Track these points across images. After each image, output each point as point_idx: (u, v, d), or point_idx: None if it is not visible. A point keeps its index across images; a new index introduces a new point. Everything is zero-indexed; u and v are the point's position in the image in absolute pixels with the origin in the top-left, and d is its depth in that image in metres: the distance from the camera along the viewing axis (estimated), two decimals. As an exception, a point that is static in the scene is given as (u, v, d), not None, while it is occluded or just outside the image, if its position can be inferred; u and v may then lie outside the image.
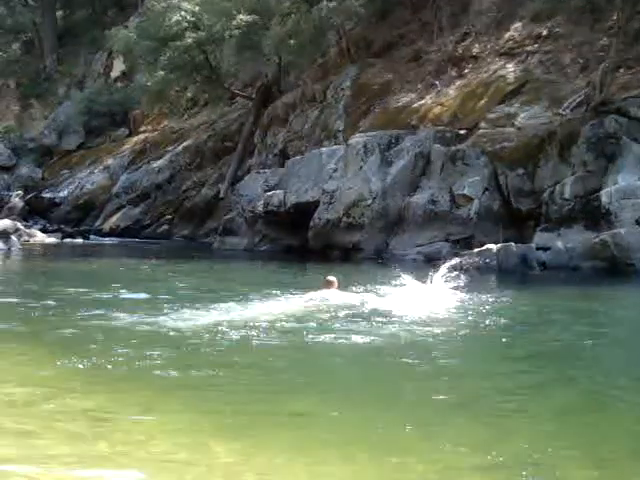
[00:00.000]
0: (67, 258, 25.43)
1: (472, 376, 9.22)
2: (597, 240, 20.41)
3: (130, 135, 40.81)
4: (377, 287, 15.08)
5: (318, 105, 30.00)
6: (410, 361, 9.57)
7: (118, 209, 35.47)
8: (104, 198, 36.40)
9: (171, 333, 10.88)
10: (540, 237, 21.53)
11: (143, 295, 14.82)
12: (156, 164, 36.04)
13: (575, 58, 25.62)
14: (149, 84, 34.50)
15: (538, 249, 20.87)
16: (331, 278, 14.48)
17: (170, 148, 36.90)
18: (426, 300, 13.91)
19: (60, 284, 16.61)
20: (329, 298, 13.87)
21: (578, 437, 6.84)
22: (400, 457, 6.19)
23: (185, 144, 36.43)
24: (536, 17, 27.03)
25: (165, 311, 12.53)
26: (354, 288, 14.88)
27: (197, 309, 12.74)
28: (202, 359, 9.39)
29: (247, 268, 23.20)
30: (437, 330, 11.47)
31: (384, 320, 12.11)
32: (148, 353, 9.41)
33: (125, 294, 14.91)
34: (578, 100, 23.60)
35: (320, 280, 15.45)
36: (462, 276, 16.15)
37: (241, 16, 31.21)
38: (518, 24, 27.86)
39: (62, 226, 34.64)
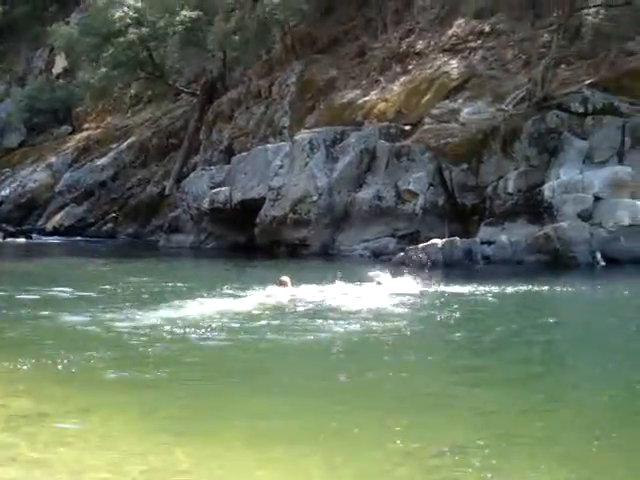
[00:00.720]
0: (9, 258, 25.05)
1: (412, 370, 9.29)
2: (540, 234, 20.69)
3: (73, 132, 40.28)
4: (327, 283, 15.17)
5: (263, 101, 29.94)
6: (362, 357, 9.65)
7: (61, 208, 34.99)
8: (47, 196, 35.89)
9: (117, 333, 10.78)
10: (484, 231, 21.77)
11: (88, 294, 14.67)
12: (100, 162, 35.63)
13: (517, 54, 25.93)
14: (92, 81, 34.10)
15: (482, 243, 21.09)
16: (284, 278, 14.89)
17: (114, 145, 36.50)
18: (377, 296, 14.16)
19: (1, 284, 16.35)
20: (282, 297, 14.13)
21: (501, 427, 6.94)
22: (349, 452, 6.22)
23: (129, 141, 36.06)
24: (478, 14, 27.30)
25: (111, 311, 12.41)
26: (305, 285, 15.01)
27: (143, 308, 12.64)
28: (149, 358, 9.32)
29: (193, 266, 23.10)
30: (385, 326, 11.53)
31: (335, 317, 12.21)
32: (93, 353, 9.31)
33: (69, 294, 14.73)
34: (520, 96, 23.89)
35: (267, 277, 15.55)
36: (408, 271, 16.36)
37: (185, 12, 31.01)
38: (461, 21, 28.10)
39: (4, 225, 34.06)
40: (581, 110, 22.47)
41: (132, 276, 17.93)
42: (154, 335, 10.54)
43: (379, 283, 15.25)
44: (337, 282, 15.16)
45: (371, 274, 15.70)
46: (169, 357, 9.45)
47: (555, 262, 19.99)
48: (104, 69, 32.64)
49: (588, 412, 7.47)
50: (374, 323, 11.72)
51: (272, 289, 14.58)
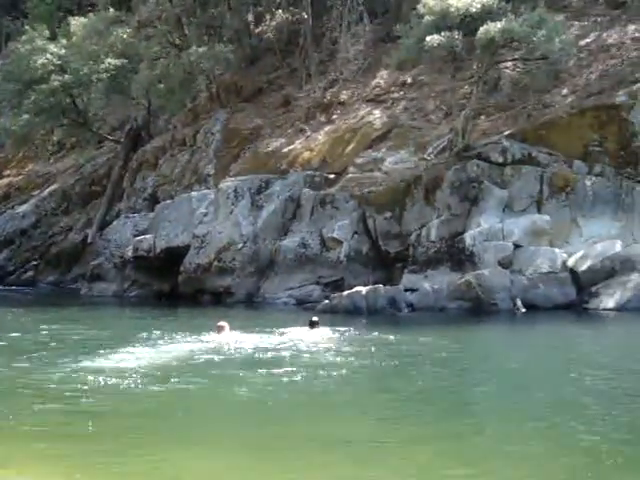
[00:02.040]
0: None
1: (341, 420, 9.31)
2: (462, 281, 21.01)
3: (-7, 179, 39.54)
4: (257, 330, 15.48)
5: (188, 149, 29.89)
6: (295, 403, 9.65)
7: (-20, 255, 34.18)
8: (-35, 244, 35.03)
9: (35, 383, 10.56)
10: (408, 279, 22.00)
11: (6, 344, 14.35)
12: (21, 209, 35.00)
13: (438, 105, 26.50)
14: (14, 127, 33.59)
15: (406, 290, 21.31)
16: (222, 323, 15.25)
17: (36, 192, 35.92)
18: (304, 342, 14.39)
19: None
20: (220, 342, 14.43)
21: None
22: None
23: (51, 188, 35.54)
24: (401, 65, 27.81)
25: (31, 360, 12.16)
26: (241, 331, 15.36)
27: (64, 358, 12.42)
28: (70, 407, 9.16)
29: (116, 315, 22.70)
30: (314, 371, 11.56)
31: (270, 363, 12.39)
32: (8, 404, 9.11)
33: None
34: (442, 145, 24.38)
35: (196, 325, 15.63)
36: (332, 319, 16.50)
37: (109, 60, 30.87)
38: (384, 72, 28.63)
39: None
40: (500, 160, 23.02)
41: (54, 324, 17.57)
42: (77, 385, 10.36)
43: (313, 323, 15.74)
44: (267, 329, 15.50)
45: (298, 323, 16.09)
46: (90, 408, 9.29)
47: (477, 309, 20.29)
48: (26, 116, 32.21)
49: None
50: (307, 371, 11.74)
51: (210, 335, 14.81)
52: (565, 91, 24.74)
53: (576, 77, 24.96)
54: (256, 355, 13.37)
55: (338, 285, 22.62)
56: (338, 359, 13.09)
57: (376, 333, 16.19)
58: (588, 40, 26.11)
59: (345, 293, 20.95)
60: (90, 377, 10.73)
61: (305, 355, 13.27)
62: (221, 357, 13.21)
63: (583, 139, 22.99)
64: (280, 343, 14.49)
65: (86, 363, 12.04)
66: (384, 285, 21.26)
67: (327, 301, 20.94)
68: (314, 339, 15.03)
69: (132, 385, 10.46)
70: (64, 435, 8.11)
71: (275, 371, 11.76)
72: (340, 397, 10.54)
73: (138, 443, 7.95)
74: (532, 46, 22.79)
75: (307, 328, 15.87)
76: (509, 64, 25.04)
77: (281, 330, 15.68)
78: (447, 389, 11.20)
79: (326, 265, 23.31)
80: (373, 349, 14.14)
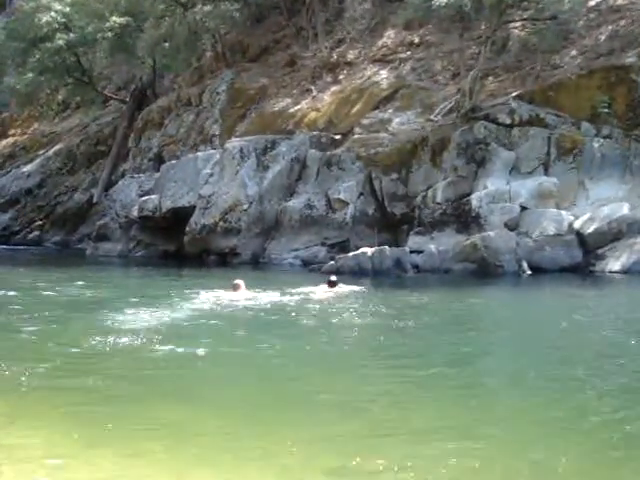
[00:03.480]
0: None
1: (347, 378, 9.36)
2: (467, 243, 20.97)
3: (-2, 138, 39.48)
4: (273, 289, 15.71)
5: (194, 109, 29.77)
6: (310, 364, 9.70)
7: (-14, 215, 34.25)
8: (-29, 203, 35.08)
9: (46, 343, 10.60)
10: (413, 240, 21.98)
11: (8, 303, 14.38)
12: (26, 168, 35.01)
13: (446, 66, 26.29)
14: (18, 86, 33.46)
15: (412, 252, 21.27)
16: (238, 281, 15.36)
17: (41, 152, 35.90)
18: (322, 300, 14.86)
19: None
20: (238, 299, 14.58)
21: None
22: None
23: (56, 148, 35.50)
24: (408, 25, 27.59)
25: (34, 321, 12.20)
26: (258, 290, 15.44)
27: (72, 318, 12.45)
28: (77, 368, 9.18)
29: (122, 275, 22.74)
30: (330, 331, 11.60)
31: (290, 321, 12.50)
32: (16, 363, 9.14)
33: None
34: (449, 107, 24.21)
35: (203, 284, 15.74)
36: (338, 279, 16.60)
37: (114, 18, 30.68)
38: (391, 31, 28.39)
39: None
40: (508, 121, 22.87)
41: (60, 286, 17.60)
42: (89, 345, 10.39)
43: (332, 282, 16.07)
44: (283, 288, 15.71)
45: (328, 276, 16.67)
46: (102, 367, 9.32)
47: (482, 271, 20.27)
48: (31, 74, 32.08)
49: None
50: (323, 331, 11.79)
51: (227, 293, 14.97)
52: (574, 52, 24.50)
53: (585, 38, 24.71)
54: (274, 313, 13.52)
55: (344, 246, 22.62)
56: (357, 319, 13.23)
57: (383, 294, 16.32)
58: (598, 0, 25.80)
59: (351, 254, 20.93)
60: (99, 337, 10.73)
61: (323, 314, 13.40)
62: (240, 315, 13.34)
63: (591, 101, 22.79)
64: (299, 301, 14.68)
65: (95, 322, 12.08)
66: (390, 247, 21.23)
67: (333, 262, 20.93)
68: (332, 297, 15.21)
69: (150, 344, 10.47)
70: (68, 394, 8.14)
71: (294, 331, 11.90)
72: (349, 358, 10.58)
73: (144, 404, 7.97)
74: (541, 6, 22.59)
75: (326, 286, 16.01)
76: (518, 24, 24.79)
77: (300, 289, 15.83)
78: (448, 346, 11.25)
79: (332, 226, 23.28)
80: (385, 309, 14.25)
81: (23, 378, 8.52)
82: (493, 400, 8.46)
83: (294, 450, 6.48)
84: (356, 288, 16.45)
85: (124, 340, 10.58)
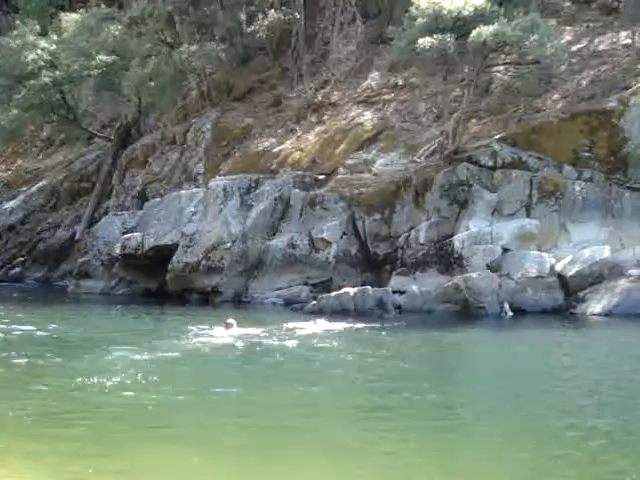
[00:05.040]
0: None
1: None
2: (450, 284, 21.00)
3: (-18, 174, 39.34)
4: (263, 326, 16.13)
5: (178, 147, 29.83)
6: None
7: (-33, 251, 34.00)
8: (-48, 239, 34.83)
9: (26, 383, 10.50)
10: (396, 281, 21.99)
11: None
12: (9, 205, 34.86)
13: (429, 107, 26.50)
14: (3, 123, 33.44)
15: (394, 292, 21.28)
16: (230, 320, 15.83)
17: (24, 188, 35.78)
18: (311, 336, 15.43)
19: None
20: (229, 337, 15.04)
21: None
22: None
23: (40, 184, 35.40)
24: (392, 67, 27.83)
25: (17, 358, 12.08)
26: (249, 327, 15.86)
27: (54, 358, 12.34)
28: (59, 408, 9.09)
29: (104, 313, 22.51)
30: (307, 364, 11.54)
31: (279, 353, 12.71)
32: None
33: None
34: (432, 148, 24.38)
35: (190, 322, 15.84)
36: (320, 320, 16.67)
37: (100, 56, 30.77)
38: (375, 73, 28.61)
39: None
40: (490, 164, 23.03)
41: (43, 322, 17.42)
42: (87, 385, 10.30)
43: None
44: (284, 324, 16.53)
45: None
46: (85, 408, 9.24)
47: (464, 312, 20.29)
48: (15, 111, 32.08)
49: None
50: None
51: (220, 330, 15.16)
52: (556, 96, 24.77)
53: (567, 82, 24.98)
54: (265, 350, 13.53)
55: (326, 286, 22.59)
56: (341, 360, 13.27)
57: (367, 331, 16.39)
58: (580, 45, 26.16)
59: (333, 294, 20.92)
60: (81, 377, 10.62)
61: (317, 353, 13.51)
62: (233, 354, 13.46)
63: (573, 144, 23.01)
64: (286, 338, 14.86)
65: (78, 363, 11.99)
66: (372, 287, 21.22)
67: (315, 302, 20.91)
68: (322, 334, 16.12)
69: (139, 385, 10.38)
70: (53, 435, 8.05)
71: (281, 372, 11.91)
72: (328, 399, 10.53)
73: (127, 445, 7.89)
74: (524, 50, 22.82)
75: (312, 322, 16.97)
76: (501, 68, 25.04)
77: (289, 326, 16.37)
78: (427, 387, 11.22)
79: (315, 266, 23.27)
80: (370, 350, 14.29)
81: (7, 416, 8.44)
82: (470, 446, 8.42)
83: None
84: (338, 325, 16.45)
85: (112, 380, 10.46)
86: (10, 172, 38.29)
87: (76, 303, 23.94)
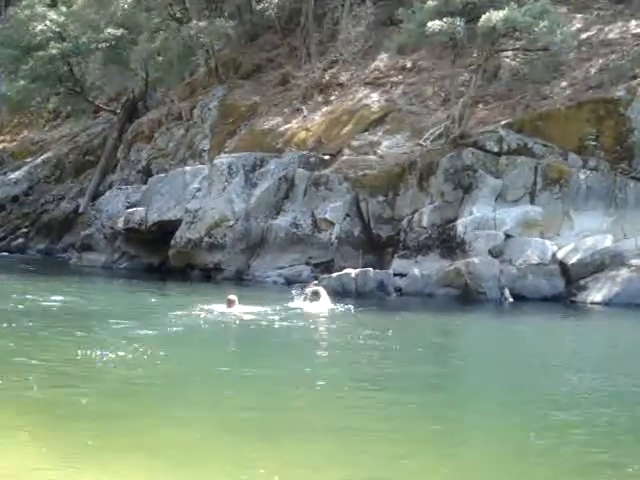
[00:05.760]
0: None
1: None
2: (451, 268, 21.04)
3: (-14, 144, 39.37)
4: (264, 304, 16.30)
5: (184, 123, 29.80)
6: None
7: (-29, 220, 34.07)
8: (-44, 208, 34.90)
9: (28, 355, 10.57)
10: (398, 263, 22.03)
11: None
12: (13, 175, 34.90)
13: (437, 91, 26.44)
14: (9, 93, 33.43)
15: (395, 275, 21.33)
16: (232, 297, 15.89)
17: (29, 160, 35.81)
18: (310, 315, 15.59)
19: None
20: (232, 314, 15.12)
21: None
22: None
23: (45, 156, 35.43)
24: (401, 49, 27.73)
25: (20, 332, 12.16)
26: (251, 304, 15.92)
27: (57, 330, 12.41)
28: (62, 381, 9.15)
29: (107, 287, 22.58)
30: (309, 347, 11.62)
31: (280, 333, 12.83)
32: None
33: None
34: (438, 132, 24.34)
35: (183, 301, 15.88)
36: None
37: (109, 29, 30.72)
38: (384, 55, 28.53)
39: None
40: (496, 149, 23.00)
41: (51, 296, 17.43)
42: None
43: (314, 294, 17.08)
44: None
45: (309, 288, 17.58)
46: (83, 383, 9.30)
47: (465, 297, 20.34)
48: (22, 82, 32.06)
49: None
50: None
51: (221, 307, 15.23)
52: (564, 83, 24.70)
53: (576, 70, 24.91)
54: (267, 327, 13.70)
55: (328, 266, 22.64)
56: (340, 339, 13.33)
57: (367, 312, 16.52)
58: (589, 33, 26.04)
59: (334, 275, 20.98)
60: (86, 350, 10.66)
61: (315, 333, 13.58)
62: (234, 330, 13.54)
63: (579, 132, 22.96)
64: (289, 317, 15.07)
65: (81, 335, 12.06)
66: (374, 269, 21.28)
67: (316, 282, 20.96)
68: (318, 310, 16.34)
69: (142, 360, 10.44)
70: (54, 409, 8.12)
71: (285, 350, 12.01)
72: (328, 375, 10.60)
73: (128, 420, 7.95)
74: (533, 37, 22.73)
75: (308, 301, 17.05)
76: (509, 53, 24.97)
77: (290, 304, 16.57)
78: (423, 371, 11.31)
79: (317, 246, 23.31)
80: (371, 331, 14.38)
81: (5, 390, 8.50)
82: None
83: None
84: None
85: (114, 354, 10.52)
86: (15, 143, 38.30)
87: (78, 276, 24.02)
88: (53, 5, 32.80)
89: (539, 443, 7.71)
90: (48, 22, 31.23)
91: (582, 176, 22.43)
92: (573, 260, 21.02)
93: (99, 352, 10.38)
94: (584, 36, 25.75)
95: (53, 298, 16.73)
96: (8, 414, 7.73)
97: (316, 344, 12.98)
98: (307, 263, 23.25)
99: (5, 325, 12.55)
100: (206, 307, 15.44)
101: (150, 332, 12.39)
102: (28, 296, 17.09)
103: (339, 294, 19.65)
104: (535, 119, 23.52)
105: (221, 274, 23.69)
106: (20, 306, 15.54)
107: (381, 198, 23.43)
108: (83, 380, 9.25)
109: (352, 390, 9.92)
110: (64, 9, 32.26)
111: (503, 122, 23.61)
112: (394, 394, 9.73)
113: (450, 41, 23.06)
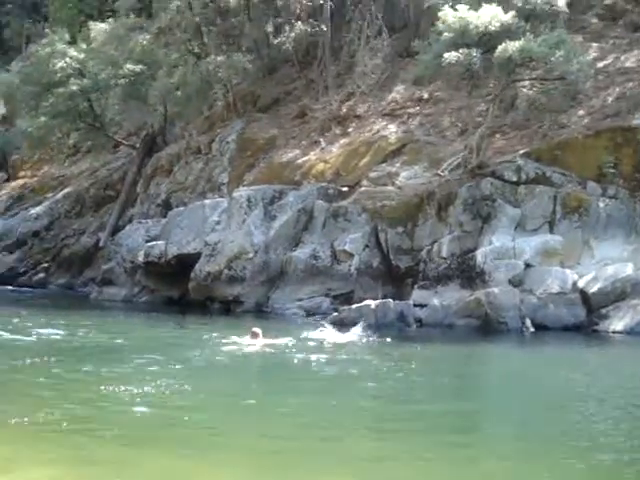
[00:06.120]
0: None
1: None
2: (471, 298, 20.97)
3: (8, 180, 39.74)
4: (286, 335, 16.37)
5: (203, 157, 29.99)
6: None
7: (-8, 256, 34.32)
8: (-22, 244, 35.17)
9: (53, 390, 10.59)
10: (418, 294, 21.98)
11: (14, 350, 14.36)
12: (34, 210, 35.15)
13: (454, 122, 26.52)
14: (30, 129, 33.78)
15: (415, 306, 21.28)
16: (256, 329, 15.99)
17: (50, 195, 36.09)
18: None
19: None
20: (256, 346, 15.24)
21: None
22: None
23: (66, 191, 35.69)
24: (418, 81, 27.89)
25: (39, 365, 12.19)
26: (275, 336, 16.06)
27: (78, 365, 12.44)
28: (85, 414, 9.16)
29: (127, 321, 22.62)
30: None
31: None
32: (20, 407, 9.15)
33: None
34: (456, 162, 24.38)
35: (205, 334, 15.92)
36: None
37: (128, 65, 31.06)
38: (400, 87, 28.68)
39: None
40: (514, 179, 23.00)
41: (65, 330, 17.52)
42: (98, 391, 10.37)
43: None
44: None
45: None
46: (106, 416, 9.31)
47: (486, 327, 20.25)
48: (43, 118, 32.40)
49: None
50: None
51: (246, 340, 15.27)
52: (581, 112, 24.72)
53: (593, 99, 24.93)
54: (292, 359, 13.86)
55: (348, 298, 22.62)
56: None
57: (388, 344, 16.50)
58: (606, 62, 26.09)
59: (354, 306, 20.95)
60: (106, 385, 10.64)
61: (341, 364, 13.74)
62: (259, 363, 13.59)
63: (598, 160, 22.94)
64: (310, 347, 15.17)
65: (104, 370, 12.07)
66: (393, 299, 21.24)
67: (336, 313, 20.95)
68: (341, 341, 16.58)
69: (169, 392, 10.43)
70: (77, 442, 8.12)
71: (310, 382, 12.01)
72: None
73: (154, 452, 7.95)
74: (550, 66, 22.79)
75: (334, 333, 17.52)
76: (526, 83, 25.03)
77: (311, 335, 16.69)
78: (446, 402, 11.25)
79: (336, 277, 23.32)
80: (394, 363, 14.37)
81: (28, 420, 8.52)
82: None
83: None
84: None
85: (137, 389, 10.48)
86: (36, 178, 38.63)
87: (99, 310, 24.11)
88: (73, 42, 33.20)
89: None
90: (68, 59, 31.59)
91: (601, 204, 22.37)
92: (594, 289, 20.90)
93: (123, 388, 10.37)
94: (600, 65, 25.81)
95: (75, 333, 16.79)
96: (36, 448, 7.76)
97: (340, 376, 12.92)
98: (327, 295, 23.24)
99: (28, 361, 12.59)
100: (229, 340, 15.47)
101: (174, 366, 12.39)
102: (50, 330, 17.16)
103: (356, 323, 19.59)
104: (553, 148, 23.52)
105: (241, 307, 23.71)
106: (41, 341, 15.59)
107: (400, 229, 23.45)
108: (105, 414, 9.23)
109: (371, 421, 9.90)
110: (84, 46, 32.64)
111: (521, 151, 23.63)
112: (414, 426, 9.69)
113: (467, 72, 23.14)
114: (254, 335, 15.70)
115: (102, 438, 8.14)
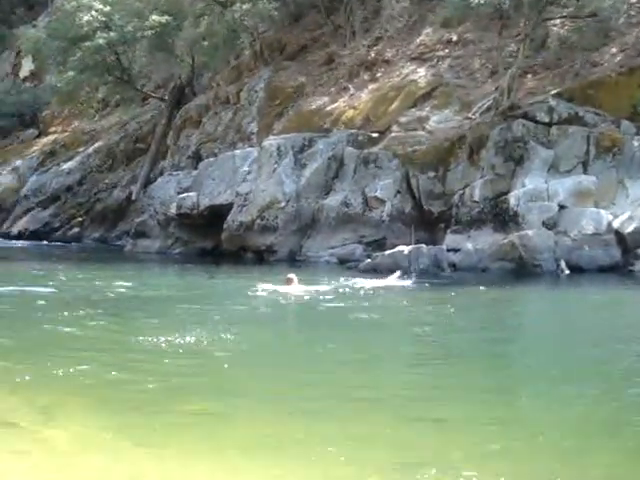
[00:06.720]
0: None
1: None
2: (505, 242, 20.88)
3: (39, 136, 39.97)
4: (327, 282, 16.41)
5: (232, 107, 29.91)
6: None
7: (27, 212, 34.68)
8: (12, 200, 35.55)
9: (95, 340, 10.74)
10: (450, 239, 21.91)
11: (52, 303, 14.55)
12: (66, 166, 35.39)
13: (484, 63, 26.16)
14: (59, 84, 33.87)
15: (449, 251, 21.23)
16: (291, 275, 16.09)
17: (81, 149, 36.27)
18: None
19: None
20: (292, 293, 15.30)
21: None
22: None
23: (96, 145, 35.86)
24: (446, 23, 27.48)
25: (83, 318, 12.35)
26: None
27: (119, 315, 12.58)
28: (126, 364, 9.27)
29: (162, 273, 22.82)
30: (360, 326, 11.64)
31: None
32: (60, 358, 9.29)
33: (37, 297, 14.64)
34: (487, 105, 24.10)
35: (240, 283, 16.04)
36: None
37: (154, 17, 30.92)
38: (429, 29, 28.28)
39: (-32, 229, 33.68)
40: (547, 120, 22.69)
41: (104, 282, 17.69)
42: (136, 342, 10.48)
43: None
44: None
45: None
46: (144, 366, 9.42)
47: (520, 270, 20.18)
48: (71, 73, 32.46)
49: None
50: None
51: (281, 287, 15.38)
52: (614, 50, 24.26)
53: (626, 35, 24.44)
54: (328, 304, 13.93)
55: (380, 244, 22.62)
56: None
57: (422, 289, 16.59)
58: (639, -3, 25.52)
59: (387, 252, 20.94)
60: (150, 336, 10.71)
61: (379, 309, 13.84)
62: (296, 309, 13.70)
63: (631, 99, 22.57)
64: (346, 293, 15.15)
65: (144, 319, 12.19)
66: (426, 245, 21.21)
67: (369, 260, 20.97)
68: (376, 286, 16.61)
69: (210, 339, 10.52)
70: (116, 390, 8.24)
71: (348, 326, 12.08)
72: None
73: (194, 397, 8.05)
74: (581, 3, 22.41)
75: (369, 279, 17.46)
76: (557, 22, 24.60)
77: (346, 282, 16.58)
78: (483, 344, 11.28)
79: (368, 224, 23.30)
80: (432, 307, 14.38)
81: (64, 371, 8.65)
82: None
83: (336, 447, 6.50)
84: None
85: (182, 339, 10.54)
86: (67, 134, 38.81)
87: (134, 262, 24.30)
88: (98, -5, 33.07)
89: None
90: (94, 12, 31.50)
91: (636, 143, 22.06)
92: (629, 229, 20.71)
93: (162, 338, 10.46)
94: (633, 0, 25.24)
95: (112, 285, 16.96)
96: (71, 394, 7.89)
97: (380, 322, 12.96)
98: (359, 242, 23.25)
99: (67, 313, 12.75)
100: (264, 288, 15.55)
101: (214, 315, 12.47)
102: (87, 284, 17.35)
103: (393, 271, 19.60)
104: (585, 87, 23.17)
105: (274, 256, 23.81)
106: (80, 294, 15.77)
107: (431, 174, 23.31)
108: (150, 365, 9.28)
109: (410, 365, 9.95)
110: (109, -1, 32.52)
111: (553, 92, 23.29)
112: (448, 371, 9.74)
113: (496, 12, 22.82)
114: (289, 281, 15.75)
115: (144, 387, 8.24)
